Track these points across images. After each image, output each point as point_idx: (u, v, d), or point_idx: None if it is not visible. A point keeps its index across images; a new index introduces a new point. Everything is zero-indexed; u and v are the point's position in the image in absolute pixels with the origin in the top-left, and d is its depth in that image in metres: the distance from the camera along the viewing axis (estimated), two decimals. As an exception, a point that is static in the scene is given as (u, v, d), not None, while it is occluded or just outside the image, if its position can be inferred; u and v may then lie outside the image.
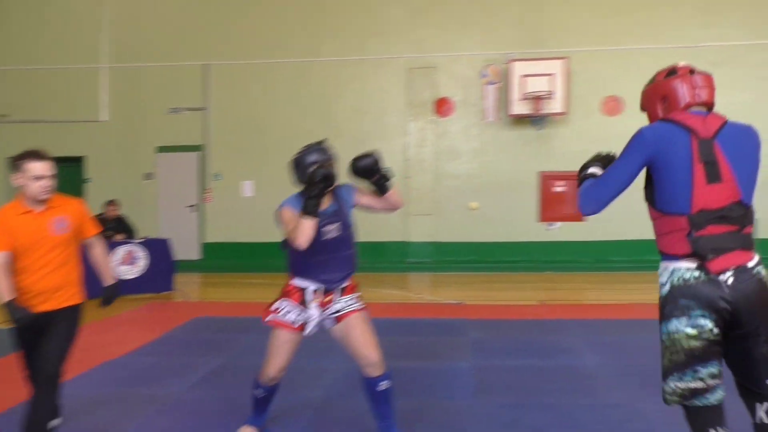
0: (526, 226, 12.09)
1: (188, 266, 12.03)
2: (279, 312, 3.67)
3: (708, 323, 2.39)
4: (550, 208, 10.94)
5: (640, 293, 9.10)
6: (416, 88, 12.87)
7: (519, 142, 12.52)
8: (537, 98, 11.79)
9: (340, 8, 13.03)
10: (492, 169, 12.56)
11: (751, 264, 2.44)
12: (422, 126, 12.82)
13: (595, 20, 12.36)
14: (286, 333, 3.65)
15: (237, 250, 13.18)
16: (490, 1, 12.63)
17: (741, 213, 2.43)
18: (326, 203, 3.64)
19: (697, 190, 2.40)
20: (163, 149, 13.47)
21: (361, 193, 3.80)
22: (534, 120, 12.20)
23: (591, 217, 12.64)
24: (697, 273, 2.40)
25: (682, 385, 2.47)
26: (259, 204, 13.14)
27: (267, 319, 3.77)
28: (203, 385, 5.09)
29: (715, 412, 2.46)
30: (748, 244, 2.45)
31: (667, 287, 2.47)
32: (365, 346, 3.56)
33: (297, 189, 3.85)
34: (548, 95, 11.78)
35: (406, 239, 12.75)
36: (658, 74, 2.73)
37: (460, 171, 12.66)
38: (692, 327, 2.40)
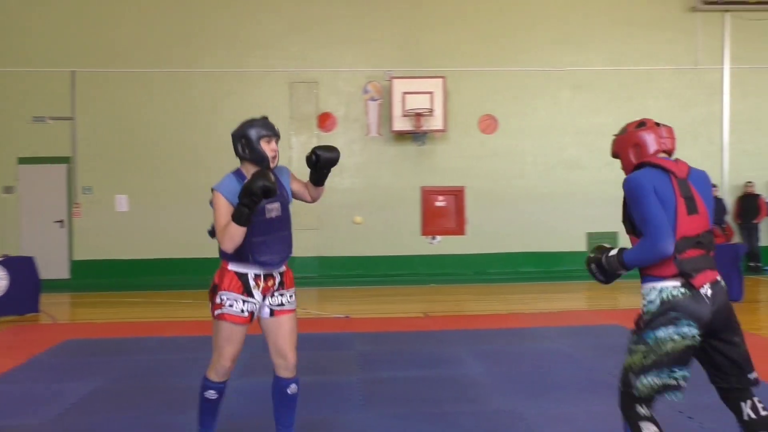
0: (410, 240, 12.32)
1: (56, 285, 11.24)
2: (224, 305, 3.50)
3: (692, 330, 2.84)
4: (431, 222, 11.26)
5: (518, 303, 9.51)
6: (299, 103, 12.83)
7: (401, 158, 12.78)
8: (418, 115, 12.10)
9: (220, 20, 12.76)
10: (375, 183, 12.72)
11: (718, 279, 2.97)
12: (305, 140, 12.78)
13: (469, 43, 12.87)
14: (234, 326, 3.51)
15: (111, 267, 12.49)
16: (369, 19, 12.85)
17: (709, 239, 2.96)
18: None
19: (680, 221, 2.87)
20: (26, 161, 12.57)
21: (293, 178, 3.76)
22: (415, 136, 12.50)
23: (470, 231, 13.12)
24: (683, 290, 2.87)
25: (659, 381, 2.88)
26: (134, 219, 12.56)
27: (216, 313, 3.55)
28: (74, 414, 4.73)
29: (653, 399, 2.94)
30: (713, 264, 2.98)
31: (657, 302, 2.90)
32: (288, 347, 3.58)
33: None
34: (428, 112, 12.12)
35: (292, 254, 12.61)
36: (628, 125, 3.15)
37: (344, 185, 12.72)
38: (678, 334, 2.84)
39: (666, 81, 13.14)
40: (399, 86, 12.24)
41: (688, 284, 2.86)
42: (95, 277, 12.34)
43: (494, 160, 12.92)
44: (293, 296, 3.66)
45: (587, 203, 12.72)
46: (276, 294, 3.59)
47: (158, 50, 12.65)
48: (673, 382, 2.88)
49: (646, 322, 2.93)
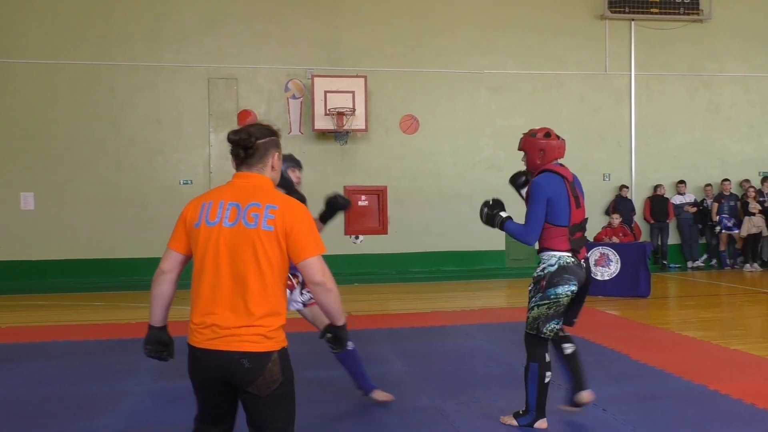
0: (332, 239, 12.19)
1: (-48, 290, 10.53)
2: None
3: (575, 288, 3.96)
4: (354, 222, 11.19)
5: (440, 302, 9.62)
6: (217, 99, 12.53)
7: (323, 157, 12.69)
8: (340, 114, 12.06)
9: (129, 12, 12.22)
10: (296, 182, 12.57)
11: (588, 255, 4.24)
12: (225, 137, 12.48)
13: (390, 43, 12.93)
14: None
15: (14, 269, 11.81)
16: (289, 16, 12.67)
17: (585, 226, 4.13)
18: None
19: (572, 213, 3.98)
20: None
21: None
22: (337, 135, 12.45)
23: (392, 231, 13.13)
24: (572, 259, 3.97)
25: (557, 326, 4.02)
26: (41, 218, 11.92)
27: None
28: (-26, 424, 4.44)
29: (548, 342, 4.10)
30: (586, 243, 4.25)
31: (555, 266, 3.93)
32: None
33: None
34: (350, 112, 12.10)
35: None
36: (538, 132, 4.06)
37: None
38: (569, 291, 3.93)
39: (576, 85, 13.64)
40: (320, 85, 12.15)
41: (575, 256, 3.97)
42: (-3, 279, 11.64)
43: (415, 160, 13.04)
44: None
45: (505, 202, 12.99)
46: (304, 291, 4.36)
47: (65, 41, 12.04)
48: (560, 326, 4.05)
49: (548, 282, 3.91)
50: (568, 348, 4.18)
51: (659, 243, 13.46)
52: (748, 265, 13.04)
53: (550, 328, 3.96)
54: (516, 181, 4.37)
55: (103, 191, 12.13)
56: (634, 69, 13.79)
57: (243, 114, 12.48)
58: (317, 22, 12.76)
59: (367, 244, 13.31)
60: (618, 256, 9.75)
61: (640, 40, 13.77)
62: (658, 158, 13.93)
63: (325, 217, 4.47)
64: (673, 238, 13.75)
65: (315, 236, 2.55)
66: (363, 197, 12.09)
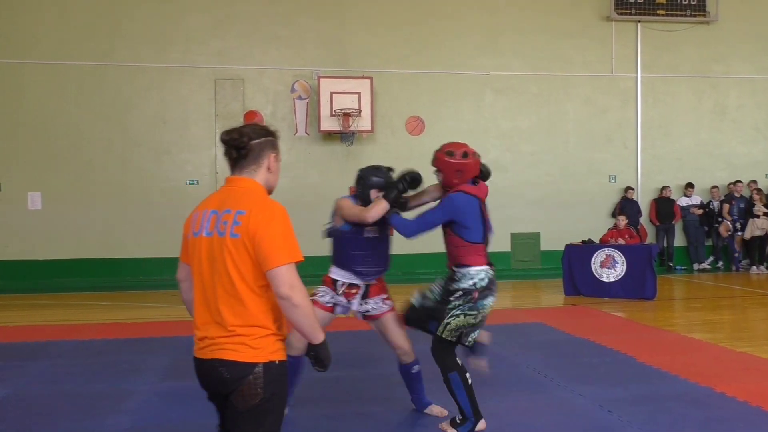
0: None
1: (-41, 289, 10.60)
2: (317, 295, 4.32)
3: (493, 300, 4.14)
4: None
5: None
6: (224, 100, 12.56)
7: (329, 158, 12.72)
8: (346, 115, 12.08)
9: (136, 13, 12.28)
10: (303, 183, 12.60)
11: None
12: (231, 138, 12.52)
13: (396, 45, 12.95)
14: (320, 311, 4.23)
15: (22, 268, 11.87)
16: (296, 17, 12.70)
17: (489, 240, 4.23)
18: None
19: (486, 229, 4.13)
20: (-72, 156, 11.80)
21: None
22: (343, 136, 12.47)
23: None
24: (491, 273, 4.12)
25: (476, 335, 4.14)
26: (48, 217, 11.98)
27: (311, 299, 4.01)
28: (-18, 422, 4.47)
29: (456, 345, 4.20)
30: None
31: (485, 280, 4.07)
32: (400, 339, 4.40)
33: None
34: (356, 113, 12.12)
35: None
36: (456, 151, 4.08)
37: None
38: (490, 303, 4.10)
39: (582, 87, 13.62)
40: (326, 86, 12.18)
41: (491, 270, 4.15)
42: (5, 279, 11.68)
43: (421, 162, 12.94)
44: (379, 302, 4.38)
45: (511, 204, 13.02)
46: (361, 302, 4.37)
47: (73, 42, 12.09)
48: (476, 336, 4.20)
49: (480, 294, 4.05)
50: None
51: (665, 245, 13.43)
52: (754, 267, 13.01)
53: (473, 336, 4.13)
54: (415, 181, 4.26)
55: (109, 191, 12.18)
56: (641, 71, 13.77)
57: (249, 115, 12.53)
58: (324, 24, 12.78)
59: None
60: (624, 258, 9.74)
61: (646, 41, 13.75)
62: (664, 160, 13.91)
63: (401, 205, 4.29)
64: (679, 240, 13.72)
65: (284, 242, 2.32)
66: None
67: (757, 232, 12.99)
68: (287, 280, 2.29)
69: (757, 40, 14.03)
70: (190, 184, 12.39)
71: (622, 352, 6.17)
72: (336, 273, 4.38)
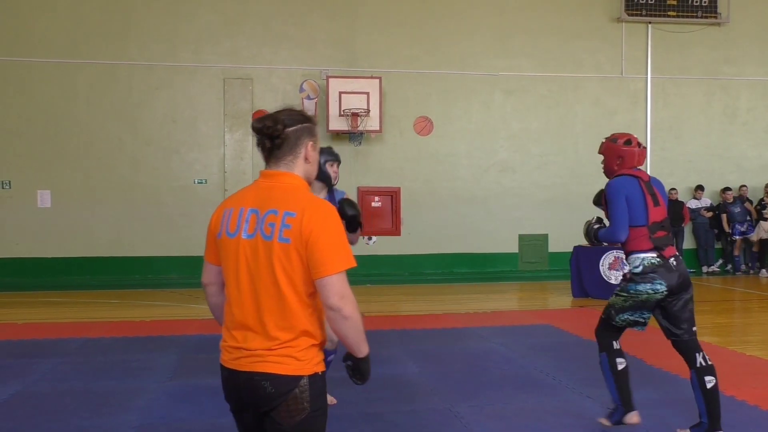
0: (344, 240, 12.24)
1: (-30, 285, 10.66)
2: None
3: (661, 287, 3.90)
4: (368, 223, 11.22)
5: (452, 304, 9.61)
6: (233, 99, 12.59)
7: (337, 158, 12.71)
8: (354, 115, 12.09)
9: (147, 12, 12.33)
10: (310, 183, 12.61)
11: (677, 253, 4.05)
12: (240, 137, 12.57)
13: (405, 45, 12.94)
14: None
15: (31, 266, 11.93)
16: (305, 17, 12.71)
17: (668, 224, 4.09)
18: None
19: (650, 211, 3.97)
20: (-60, 153, 11.89)
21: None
22: (352, 136, 12.48)
23: (405, 232, 13.15)
24: (658, 259, 3.93)
25: (631, 318, 4.02)
26: (57, 216, 12.04)
27: None
28: (-7, 418, 4.49)
29: (622, 332, 4.14)
30: (673, 241, 4.12)
31: (640, 267, 3.94)
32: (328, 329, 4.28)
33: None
34: (365, 113, 12.12)
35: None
36: (619, 137, 4.15)
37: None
38: (652, 289, 3.91)
39: (592, 88, 13.58)
40: (335, 85, 12.19)
41: (660, 255, 3.93)
42: (14, 276, 11.75)
43: (429, 162, 13.04)
44: None
45: (519, 205, 13.00)
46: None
47: (84, 41, 12.15)
48: (641, 320, 4.02)
49: (630, 278, 3.96)
50: (710, 382, 3.98)
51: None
52: (764, 270, 12.93)
53: (623, 319, 4.03)
54: (599, 201, 4.35)
55: (119, 190, 12.23)
56: (651, 72, 13.71)
57: (258, 114, 12.55)
58: (333, 24, 12.79)
59: (380, 246, 13.35)
60: (632, 260, 9.70)
61: (656, 43, 13.69)
62: (673, 162, 13.84)
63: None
64: (688, 243, 13.65)
65: (339, 247, 2.15)
66: (376, 198, 12.10)
67: (764, 235, 12.92)
68: (339, 289, 2.12)
69: (768, 43, 13.95)
70: (198, 183, 12.42)
71: (630, 354, 6.12)
72: None
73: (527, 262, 13.26)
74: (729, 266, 13.53)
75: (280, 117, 2.25)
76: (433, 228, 12.73)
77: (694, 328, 3.99)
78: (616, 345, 4.06)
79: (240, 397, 2.23)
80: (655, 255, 3.91)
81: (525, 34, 13.29)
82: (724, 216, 13.19)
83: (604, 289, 9.77)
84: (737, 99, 14.01)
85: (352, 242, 4.27)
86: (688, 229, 13.63)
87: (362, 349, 2.26)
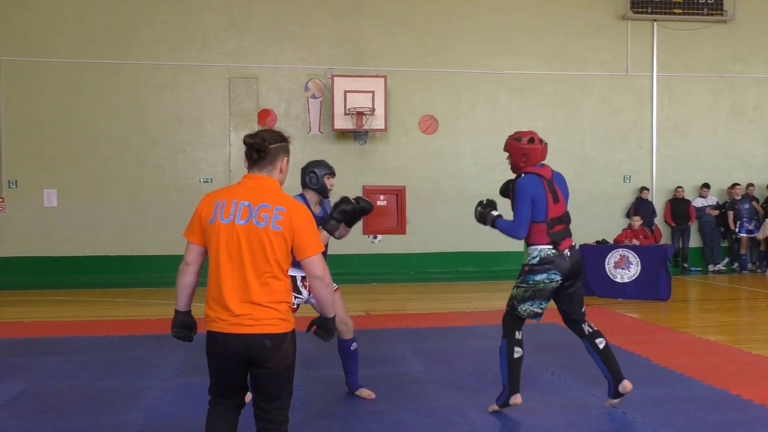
0: (351, 239, 12.22)
1: (-23, 284, 10.71)
2: None
3: (555, 277, 4.31)
4: (373, 222, 11.20)
5: (457, 302, 9.60)
6: (238, 98, 12.61)
7: (342, 156, 12.70)
8: (359, 114, 12.08)
9: (153, 12, 12.35)
10: (316, 182, 12.61)
11: (573, 244, 4.45)
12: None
13: (410, 43, 12.93)
14: None
15: (37, 265, 11.99)
16: (309, 15, 12.72)
17: (567, 218, 4.46)
18: (317, 209, 4.68)
19: (549, 208, 4.33)
20: (-53, 153, 11.94)
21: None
22: (357, 135, 12.48)
23: (411, 231, 13.11)
24: (553, 251, 4.32)
25: (532, 308, 4.36)
26: (63, 215, 12.09)
27: None
28: None
29: (524, 322, 4.46)
30: (570, 234, 4.47)
31: (537, 258, 4.33)
32: (345, 316, 4.69)
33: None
34: (370, 112, 12.12)
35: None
36: (523, 136, 4.41)
37: (285, 183, 12.54)
38: (548, 279, 4.31)
39: (598, 86, 13.54)
40: (340, 84, 12.19)
41: (556, 248, 4.31)
42: (21, 275, 11.81)
43: (434, 161, 13.03)
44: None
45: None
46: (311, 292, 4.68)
47: (89, 40, 12.19)
48: (539, 311, 4.37)
49: (529, 269, 4.33)
50: (601, 343, 4.41)
51: (680, 246, 13.32)
52: (771, 268, 12.89)
53: (524, 309, 4.36)
54: (506, 192, 4.69)
55: (125, 189, 12.27)
56: (657, 70, 13.67)
57: (263, 113, 12.57)
58: (339, 23, 12.79)
59: (385, 244, 13.36)
60: (638, 259, 9.68)
61: (662, 40, 13.64)
62: (679, 160, 13.80)
63: (348, 222, 4.61)
64: (694, 241, 13.61)
65: (316, 236, 2.91)
66: (382, 197, 12.10)
67: (768, 233, 12.89)
68: (321, 264, 2.90)
69: (775, 40, 13.88)
70: (204, 182, 12.45)
71: (636, 353, 6.13)
72: (293, 271, 4.54)
73: (533, 261, 13.22)
74: (735, 265, 13.48)
75: (266, 135, 2.94)
76: (439, 227, 12.72)
77: (584, 309, 4.47)
78: (518, 335, 4.40)
79: (236, 356, 2.81)
80: (551, 247, 4.30)
81: (530, 33, 13.26)
82: (730, 213, 13.14)
83: (609, 287, 9.77)
84: (744, 96, 13.95)
85: (343, 235, 4.75)
86: (694, 227, 13.59)
87: (332, 311, 3.04)
